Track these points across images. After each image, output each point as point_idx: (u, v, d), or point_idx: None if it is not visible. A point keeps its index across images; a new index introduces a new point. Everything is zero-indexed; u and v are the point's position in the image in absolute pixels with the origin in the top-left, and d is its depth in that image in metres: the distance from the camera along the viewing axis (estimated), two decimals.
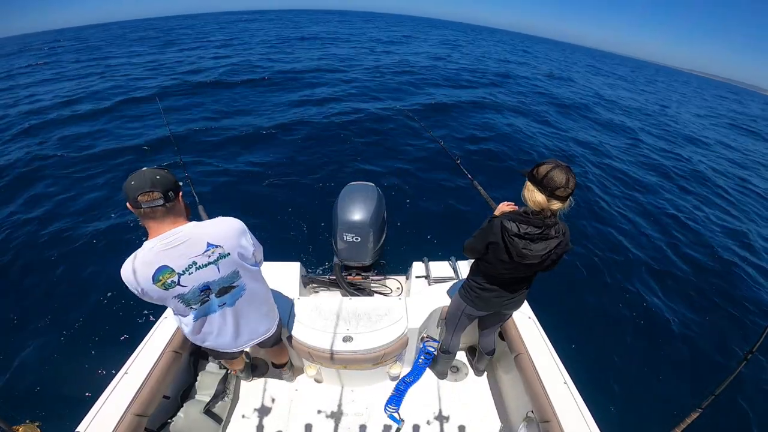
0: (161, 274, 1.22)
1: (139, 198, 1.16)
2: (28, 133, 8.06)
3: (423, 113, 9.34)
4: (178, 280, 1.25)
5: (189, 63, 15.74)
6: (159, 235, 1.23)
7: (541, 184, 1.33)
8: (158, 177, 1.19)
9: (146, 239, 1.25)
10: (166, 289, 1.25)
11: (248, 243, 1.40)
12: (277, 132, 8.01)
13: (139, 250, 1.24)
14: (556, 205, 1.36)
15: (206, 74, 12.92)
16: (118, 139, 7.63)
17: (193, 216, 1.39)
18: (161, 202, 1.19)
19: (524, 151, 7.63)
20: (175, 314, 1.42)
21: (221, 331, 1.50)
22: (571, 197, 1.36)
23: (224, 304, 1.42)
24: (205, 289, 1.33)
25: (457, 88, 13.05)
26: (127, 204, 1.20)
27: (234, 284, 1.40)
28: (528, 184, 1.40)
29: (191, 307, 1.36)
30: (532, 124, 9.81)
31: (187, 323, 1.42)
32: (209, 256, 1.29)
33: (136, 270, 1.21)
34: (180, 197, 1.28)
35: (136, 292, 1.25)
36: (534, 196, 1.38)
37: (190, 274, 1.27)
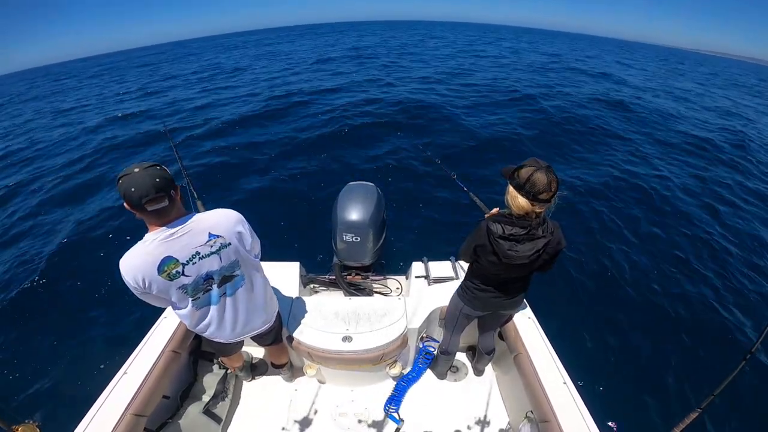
0: (166, 265, 1.24)
1: (145, 204, 1.15)
2: None
3: None
4: (183, 271, 1.28)
5: None
6: (160, 227, 1.24)
7: (524, 189, 1.31)
8: (158, 180, 1.17)
9: (147, 231, 1.26)
10: (171, 279, 1.27)
11: (246, 232, 1.44)
12: (277, 130, 8.02)
13: (140, 242, 1.25)
14: (540, 208, 1.35)
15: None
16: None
17: (189, 207, 1.40)
18: (166, 203, 1.21)
19: None
20: (175, 309, 1.42)
21: (221, 321, 1.52)
22: (555, 197, 1.34)
23: (224, 293, 1.46)
24: (208, 278, 1.37)
25: None
26: (125, 205, 1.19)
27: (235, 273, 1.44)
28: (510, 189, 1.38)
29: (193, 298, 1.37)
30: None
31: (188, 314, 1.43)
32: (211, 246, 1.32)
33: (140, 262, 1.22)
34: (178, 190, 1.29)
35: (136, 286, 1.25)
36: (517, 201, 1.36)
37: (193, 264, 1.30)
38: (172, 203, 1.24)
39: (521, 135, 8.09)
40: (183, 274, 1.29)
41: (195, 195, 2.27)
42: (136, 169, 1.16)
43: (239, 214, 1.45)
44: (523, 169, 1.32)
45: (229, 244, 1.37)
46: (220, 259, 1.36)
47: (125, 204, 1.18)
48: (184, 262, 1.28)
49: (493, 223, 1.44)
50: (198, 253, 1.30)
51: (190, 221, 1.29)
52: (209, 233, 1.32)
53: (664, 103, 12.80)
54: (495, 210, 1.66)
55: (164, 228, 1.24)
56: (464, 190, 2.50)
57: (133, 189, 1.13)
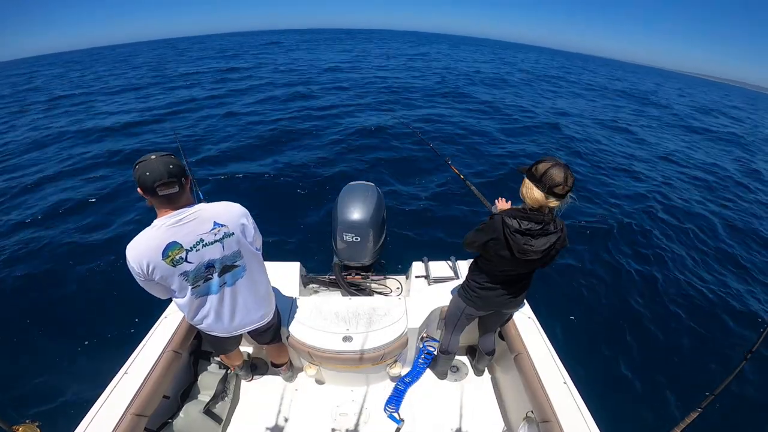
0: (171, 250, 1.28)
1: (157, 188, 1.21)
2: None
3: None
4: (186, 257, 1.31)
5: None
6: (168, 214, 1.29)
7: (540, 182, 1.35)
8: (171, 166, 1.24)
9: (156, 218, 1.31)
10: (174, 265, 1.30)
11: (249, 225, 1.48)
12: (279, 134, 8.03)
13: (148, 228, 1.30)
14: (553, 202, 1.39)
15: None
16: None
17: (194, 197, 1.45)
18: (177, 189, 1.27)
19: None
20: (174, 297, 1.44)
21: (219, 311, 1.54)
22: (570, 195, 1.38)
23: (224, 283, 1.48)
24: (209, 266, 1.39)
25: None
26: (139, 190, 1.25)
27: (236, 263, 1.47)
28: (526, 181, 1.42)
29: (193, 285, 1.40)
30: None
31: (186, 303, 1.45)
32: (215, 234, 1.36)
33: (146, 246, 1.26)
34: (189, 180, 1.35)
35: (140, 271, 1.28)
36: (532, 193, 1.40)
37: (197, 251, 1.33)
38: (182, 190, 1.30)
39: None
40: (186, 260, 1.32)
41: (201, 196, 2.28)
42: (153, 156, 1.24)
43: (244, 208, 1.50)
44: (542, 163, 1.37)
45: (233, 233, 1.41)
46: (223, 247, 1.39)
47: (138, 188, 1.24)
48: (188, 248, 1.31)
49: (509, 218, 1.47)
50: (202, 240, 1.34)
51: (196, 209, 1.34)
52: (214, 222, 1.36)
53: None
54: (501, 200, 1.72)
55: (171, 214, 1.29)
56: (460, 177, 2.51)
57: (147, 173, 1.20)
